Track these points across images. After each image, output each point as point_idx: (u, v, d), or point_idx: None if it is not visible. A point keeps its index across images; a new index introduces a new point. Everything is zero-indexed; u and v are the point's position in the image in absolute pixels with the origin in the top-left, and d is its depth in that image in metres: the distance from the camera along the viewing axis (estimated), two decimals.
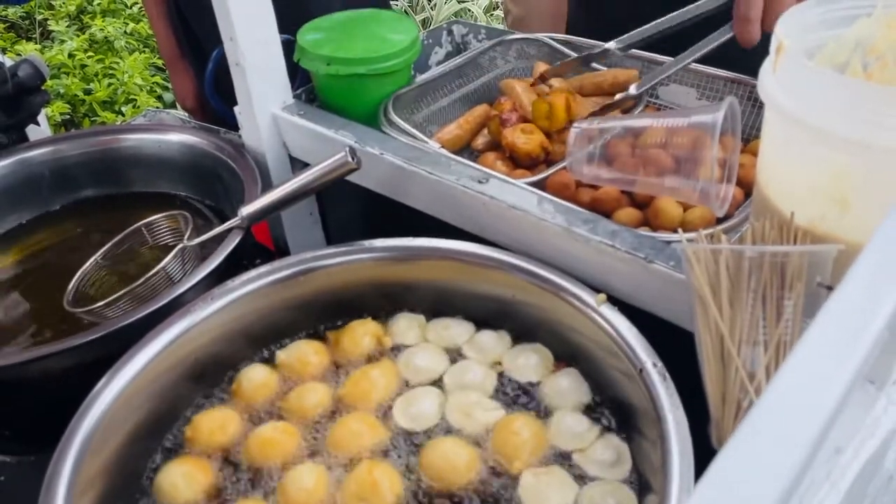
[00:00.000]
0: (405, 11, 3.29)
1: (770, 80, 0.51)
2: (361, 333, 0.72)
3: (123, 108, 2.47)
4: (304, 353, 0.71)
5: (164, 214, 0.85)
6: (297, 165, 0.93)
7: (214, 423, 0.65)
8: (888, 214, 0.42)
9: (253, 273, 0.70)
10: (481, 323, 0.73)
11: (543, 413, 0.64)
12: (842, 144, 0.47)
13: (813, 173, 0.51)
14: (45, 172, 0.93)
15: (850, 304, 0.37)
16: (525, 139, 0.82)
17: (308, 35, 0.89)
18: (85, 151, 0.93)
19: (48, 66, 2.56)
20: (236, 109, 0.89)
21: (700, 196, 0.65)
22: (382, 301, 0.74)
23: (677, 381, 0.56)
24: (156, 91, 2.64)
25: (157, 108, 2.53)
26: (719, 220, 0.72)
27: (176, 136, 0.94)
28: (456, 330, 0.72)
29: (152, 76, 2.67)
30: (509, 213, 0.69)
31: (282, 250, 1.00)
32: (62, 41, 2.70)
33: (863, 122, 0.45)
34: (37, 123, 1.02)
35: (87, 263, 0.81)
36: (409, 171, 0.76)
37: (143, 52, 2.77)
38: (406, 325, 0.73)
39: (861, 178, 0.48)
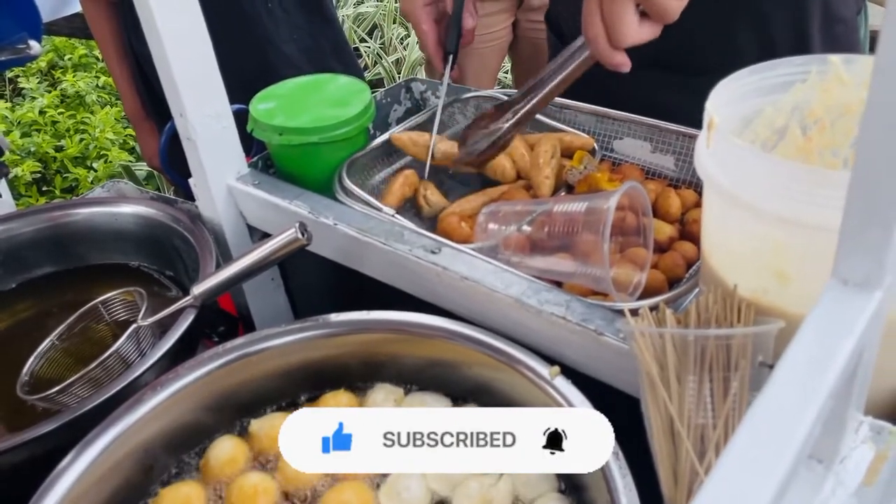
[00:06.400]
0: (377, 53, 3.32)
1: (704, 154, 0.52)
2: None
3: (95, 164, 2.46)
4: (274, 426, 0.69)
5: (120, 291, 0.84)
6: (256, 234, 0.93)
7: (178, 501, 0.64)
8: (823, 290, 0.42)
9: (205, 355, 0.68)
10: (461, 398, 0.71)
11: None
12: (775, 221, 0.47)
13: (751, 247, 0.51)
14: None
15: (788, 382, 0.37)
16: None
17: (260, 105, 0.89)
18: (37, 228, 0.92)
19: (19, 123, 2.57)
20: (191, 181, 0.88)
21: (596, 284, 0.65)
22: (363, 369, 0.73)
23: (633, 450, 0.55)
24: (128, 144, 2.63)
25: (130, 161, 2.51)
26: (672, 282, 0.72)
27: (130, 207, 0.92)
28: (431, 406, 0.70)
29: (125, 129, 2.67)
30: (462, 284, 0.68)
31: (244, 316, 0.99)
32: (33, 98, 2.69)
33: (793, 199, 0.45)
34: None
35: (42, 345, 0.80)
36: (363, 241, 0.75)
37: (116, 104, 2.77)
38: (383, 399, 0.71)
39: (797, 253, 0.48)
